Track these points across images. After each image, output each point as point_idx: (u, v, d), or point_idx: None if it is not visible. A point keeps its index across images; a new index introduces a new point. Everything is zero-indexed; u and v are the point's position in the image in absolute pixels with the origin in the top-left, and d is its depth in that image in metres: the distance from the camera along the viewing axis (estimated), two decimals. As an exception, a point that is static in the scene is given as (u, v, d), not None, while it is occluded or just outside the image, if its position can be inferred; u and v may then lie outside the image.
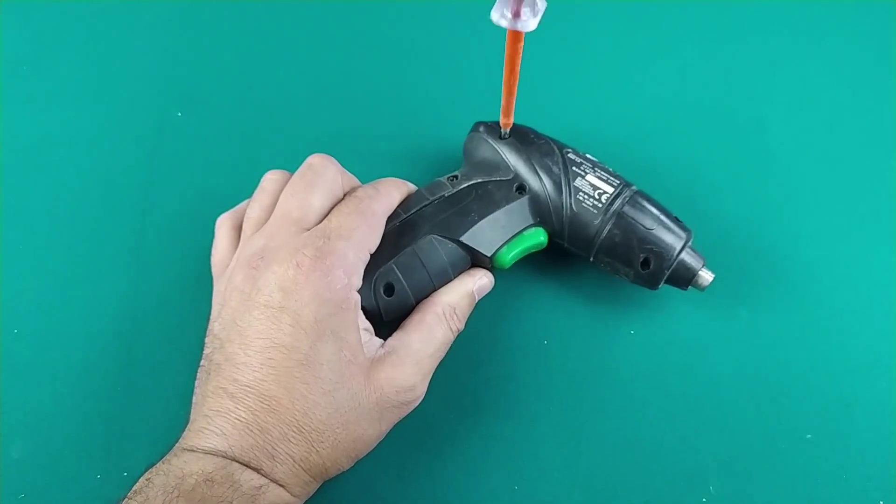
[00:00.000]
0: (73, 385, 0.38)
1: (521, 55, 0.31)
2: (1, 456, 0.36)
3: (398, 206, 0.37)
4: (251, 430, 0.30)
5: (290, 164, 0.38)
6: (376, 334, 0.35)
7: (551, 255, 0.42)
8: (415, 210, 0.37)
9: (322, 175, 0.36)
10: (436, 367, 0.35)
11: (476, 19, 0.50)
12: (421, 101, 0.47)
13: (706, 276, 0.38)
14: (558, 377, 0.39)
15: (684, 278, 0.38)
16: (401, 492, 0.37)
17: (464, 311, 0.37)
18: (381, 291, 0.35)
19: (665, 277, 0.38)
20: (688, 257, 0.38)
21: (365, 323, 0.34)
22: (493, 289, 0.39)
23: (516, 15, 0.28)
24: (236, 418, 0.30)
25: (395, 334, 0.35)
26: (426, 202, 0.37)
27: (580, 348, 0.40)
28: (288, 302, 0.31)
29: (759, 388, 0.39)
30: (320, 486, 0.34)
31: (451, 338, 0.36)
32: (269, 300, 0.31)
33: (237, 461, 0.30)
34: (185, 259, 0.41)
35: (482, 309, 0.40)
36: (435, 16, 0.50)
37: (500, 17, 0.28)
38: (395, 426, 0.35)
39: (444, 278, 0.37)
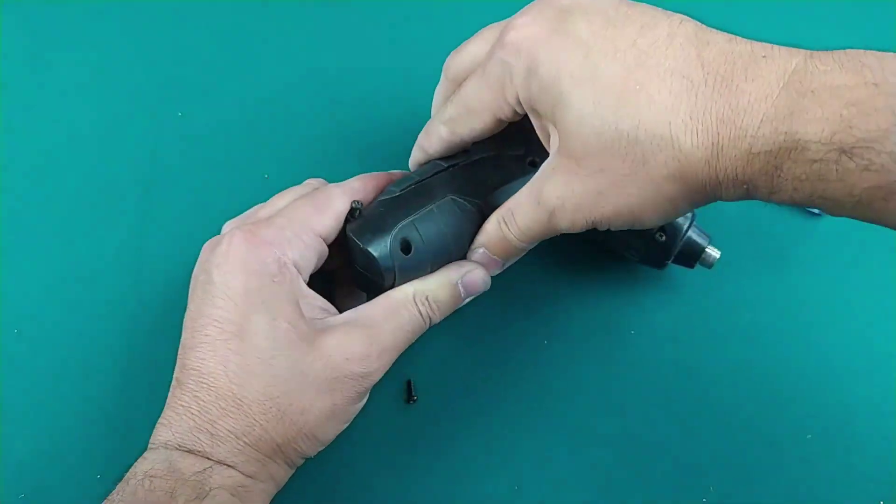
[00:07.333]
0: (73, 385, 0.38)
1: None
2: (1, 456, 0.36)
3: (413, 173, 0.36)
4: (191, 412, 0.30)
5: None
6: None
7: (552, 256, 0.42)
8: (431, 175, 0.36)
9: (315, 188, 0.36)
10: (399, 346, 0.34)
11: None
12: (421, 99, 0.47)
13: (713, 252, 0.39)
14: (558, 377, 0.39)
15: (692, 255, 0.38)
16: (401, 492, 0.37)
17: (441, 301, 0.34)
18: (399, 248, 0.33)
19: (675, 252, 0.38)
20: (695, 234, 0.38)
21: (319, 300, 0.33)
22: (494, 288, 0.38)
23: None
24: (180, 404, 0.30)
25: (359, 307, 0.34)
26: (441, 169, 0.36)
27: (580, 348, 0.40)
28: (217, 275, 0.31)
29: (760, 389, 0.39)
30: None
31: (420, 323, 0.34)
32: (205, 278, 0.32)
33: (179, 448, 0.29)
34: (185, 259, 0.41)
35: (483, 309, 0.40)
36: (436, 14, 0.50)
37: None
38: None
39: (461, 245, 0.35)
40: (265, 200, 0.38)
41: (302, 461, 0.33)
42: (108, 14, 0.49)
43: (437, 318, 0.35)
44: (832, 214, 0.27)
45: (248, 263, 0.31)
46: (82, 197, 0.43)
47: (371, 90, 0.47)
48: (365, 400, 0.33)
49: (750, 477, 0.37)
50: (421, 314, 0.34)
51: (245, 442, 0.30)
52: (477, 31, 0.36)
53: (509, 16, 0.33)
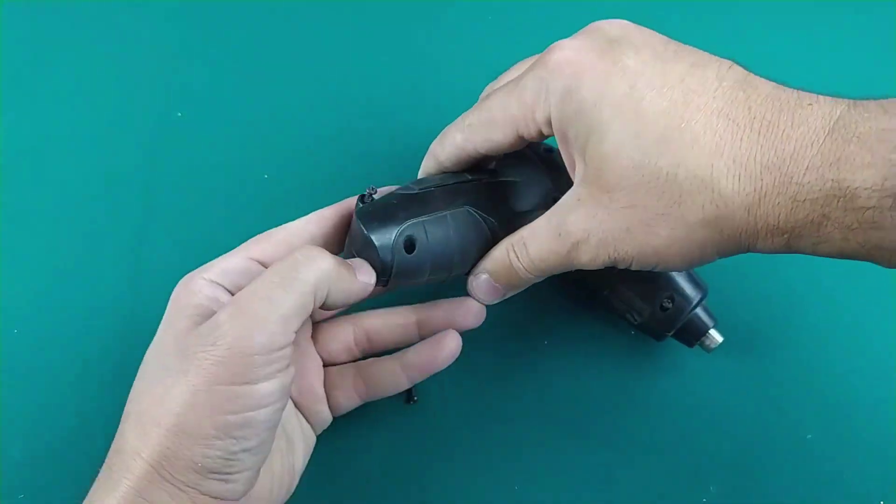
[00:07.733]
0: (73, 385, 0.38)
1: None
2: (1, 456, 0.36)
3: (435, 178, 0.35)
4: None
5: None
6: None
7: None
8: (452, 182, 0.35)
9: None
10: (278, 314, 0.28)
11: (477, 17, 0.50)
12: (421, 99, 0.47)
13: (716, 336, 0.37)
14: (558, 377, 0.39)
15: (694, 334, 0.37)
16: (401, 492, 0.37)
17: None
18: (402, 245, 0.32)
19: (678, 326, 0.36)
20: (702, 312, 0.37)
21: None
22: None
23: None
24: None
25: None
26: (464, 179, 0.35)
27: (580, 348, 0.40)
28: None
29: (760, 388, 0.39)
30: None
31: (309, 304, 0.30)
32: None
33: None
34: (185, 259, 0.41)
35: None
36: (436, 14, 0.50)
37: None
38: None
39: (465, 259, 0.34)
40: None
41: (210, 485, 0.28)
42: (108, 14, 0.49)
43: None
44: (888, 266, 0.26)
45: (168, 313, 0.32)
46: (82, 197, 0.43)
47: (372, 91, 0.47)
48: (269, 380, 0.28)
49: (750, 477, 0.37)
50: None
51: (112, 464, 0.29)
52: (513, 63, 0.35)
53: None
